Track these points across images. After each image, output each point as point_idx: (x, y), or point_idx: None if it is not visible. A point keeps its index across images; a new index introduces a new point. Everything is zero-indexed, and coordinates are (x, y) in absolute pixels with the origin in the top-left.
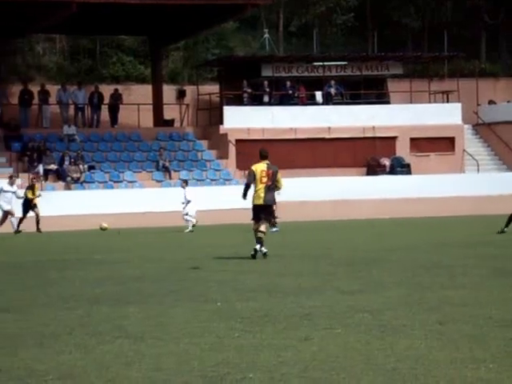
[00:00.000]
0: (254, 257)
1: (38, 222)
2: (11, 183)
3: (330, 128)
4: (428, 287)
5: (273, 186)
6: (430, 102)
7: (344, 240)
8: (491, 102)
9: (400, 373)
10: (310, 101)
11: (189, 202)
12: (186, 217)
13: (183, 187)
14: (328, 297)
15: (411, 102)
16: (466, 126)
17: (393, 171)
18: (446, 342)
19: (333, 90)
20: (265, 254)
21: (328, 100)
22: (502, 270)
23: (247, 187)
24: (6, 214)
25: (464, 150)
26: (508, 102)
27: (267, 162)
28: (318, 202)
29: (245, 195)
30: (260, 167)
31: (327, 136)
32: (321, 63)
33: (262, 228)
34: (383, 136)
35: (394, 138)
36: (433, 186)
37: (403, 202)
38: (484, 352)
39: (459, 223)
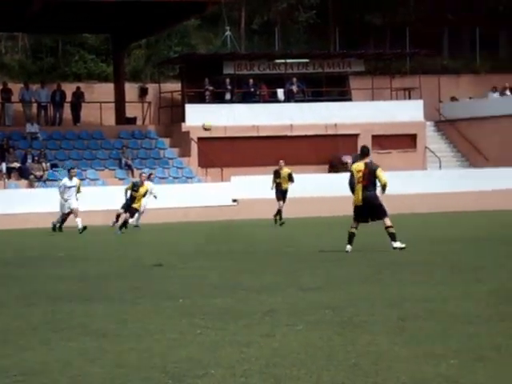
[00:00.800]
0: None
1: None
2: (70, 177)
3: (292, 125)
4: (389, 284)
5: (370, 184)
6: (391, 99)
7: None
8: (453, 99)
9: (361, 368)
10: (272, 98)
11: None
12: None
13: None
14: (290, 294)
15: (373, 99)
16: (427, 123)
17: None
18: (408, 338)
19: (294, 88)
20: (396, 248)
21: (290, 97)
22: (459, 267)
23: (351, 188)
24: (70, 213)
25: (426, 147)
26: (470, 98)
27: (367, 160)
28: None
29: (353, 193)
30: (358, 167)
31: (289, 133)
32: (283, 61)
33: (388, 223)
34: (345, 133)
35: (355, 136)
36: (395, 183)
37: None
38: (445, 348)
39: (420, 220)
